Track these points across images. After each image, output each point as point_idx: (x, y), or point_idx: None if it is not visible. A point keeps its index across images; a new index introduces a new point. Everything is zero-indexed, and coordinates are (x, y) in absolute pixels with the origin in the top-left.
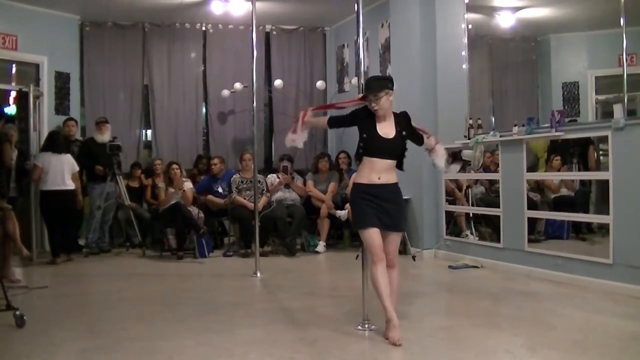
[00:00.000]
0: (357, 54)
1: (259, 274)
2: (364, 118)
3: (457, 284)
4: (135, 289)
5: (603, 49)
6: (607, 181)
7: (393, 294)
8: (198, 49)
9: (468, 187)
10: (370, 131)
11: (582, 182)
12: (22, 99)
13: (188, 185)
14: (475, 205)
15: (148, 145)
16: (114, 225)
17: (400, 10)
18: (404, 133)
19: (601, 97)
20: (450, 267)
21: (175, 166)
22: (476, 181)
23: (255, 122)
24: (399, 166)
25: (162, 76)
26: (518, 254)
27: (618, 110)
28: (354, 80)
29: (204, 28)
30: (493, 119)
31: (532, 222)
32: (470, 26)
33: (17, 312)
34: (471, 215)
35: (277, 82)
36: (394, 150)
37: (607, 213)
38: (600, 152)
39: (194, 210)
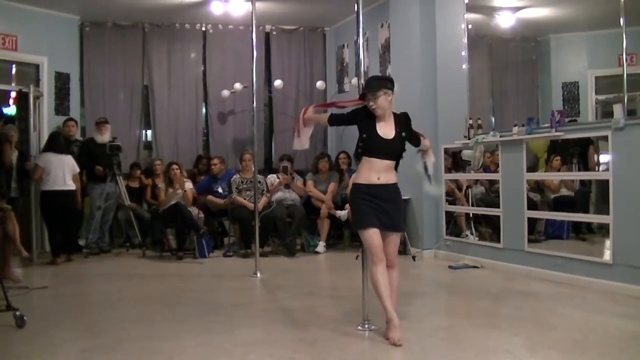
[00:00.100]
0: (357, 54)
1: (259, 274)
2: (364, 118)
3: (457, 284)
4: (135, 289)
5: (603, 49)
6: (607, 181)
7: (393, 295)
8: (198, 49)
9: (468, 187)
10: (370, 131)
11: (582, 182)
12: (22, 100)
13: (188, 185)
14: (475, 206)
15: (148, 145)
16: (114, 225)
17: (400, 10)
18: (403, 134)
19: (601, 97)
20: (450, 267)
21: (175, 166)
22: (476, 181)
23: (255, 122)
24: (394, 167)
25: (162, 76)
26: (518, 254)
27: (618, 110)
28: (354, 80)
29: (203, 28)
30: (493, 119)
31: (532, 222)
32: (470, 26)
33: (17, 313)
34: (471, 215)
35: (277, 82)
36: (393, 151)
37: (607, 213)
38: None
39: (194, 210)
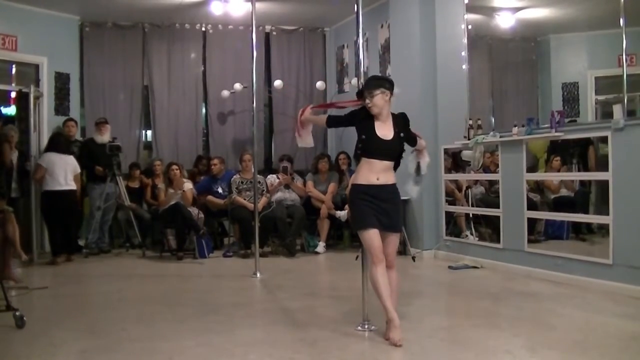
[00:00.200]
0: (357, 55)
1: (258, 275)
2: (363, 119)
3: (457, 285)
4: (135, 289)
5: (603, 49)
6: (606, 181)
7: (393, 295)
8: (198, 49)
9: (468, 187)
10: (369, 132)
11: (582, 182)
12: (22, 100)
13: (188, 185)
14: (475, 206)
15: (148, 145)
16: (114, 225)
17: (400, 10)
18: (401, 135)
19: (601, 98)
20: (450, 267)
21: (174, 167)
22: (476, 182)
23: (255, 122)
24: (394, 167)
25: (162, 76)
26: (518, 255)
27: (618, 110)
28: (354, 80)
29: (203, 28)
30: (493, 120)
31: (532, 222)
32: (470, 26)
33: (17, 313)
34: (471, 215)
35: (277, 83)
36: (392, 152)
37: (607, 213)
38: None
39: (194, 210)
